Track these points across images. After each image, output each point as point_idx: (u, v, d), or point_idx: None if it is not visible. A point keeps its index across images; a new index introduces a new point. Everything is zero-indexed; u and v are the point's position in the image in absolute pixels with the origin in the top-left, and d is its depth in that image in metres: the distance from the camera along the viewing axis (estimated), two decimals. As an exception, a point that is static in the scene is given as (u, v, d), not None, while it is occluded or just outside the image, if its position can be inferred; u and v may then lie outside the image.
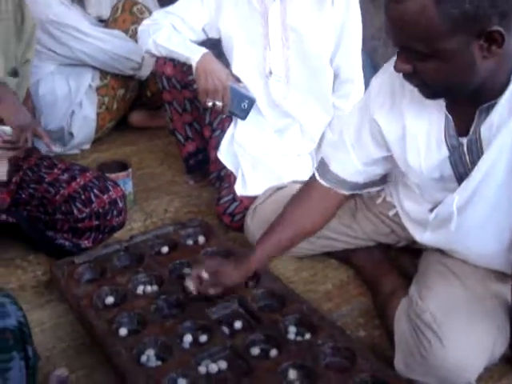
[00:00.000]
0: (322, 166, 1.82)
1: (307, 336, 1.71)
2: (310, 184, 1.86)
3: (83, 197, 2.05)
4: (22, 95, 2.16)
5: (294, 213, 1.82)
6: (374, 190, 1.93)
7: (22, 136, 1.87)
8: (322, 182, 1.81)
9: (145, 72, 3.04)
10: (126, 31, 3.03)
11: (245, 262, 1.78)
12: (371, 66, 2.85)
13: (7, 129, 1.85)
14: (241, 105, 2.28)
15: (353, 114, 1.78)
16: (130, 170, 2.42)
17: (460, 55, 1.34)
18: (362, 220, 2.03)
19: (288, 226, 1.81)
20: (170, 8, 2.42)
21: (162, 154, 3.00)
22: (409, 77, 1.45)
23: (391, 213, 1.95)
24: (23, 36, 2.13)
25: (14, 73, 2.10)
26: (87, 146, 3.04)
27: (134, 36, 3.02)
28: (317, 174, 1.82)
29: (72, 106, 2.91)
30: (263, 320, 1.75)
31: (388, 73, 1.63)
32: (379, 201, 1.98)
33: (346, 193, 1.82)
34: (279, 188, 2.19)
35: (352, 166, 1.76)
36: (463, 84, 1.41)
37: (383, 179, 1.91)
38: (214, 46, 2.41)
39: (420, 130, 1.58)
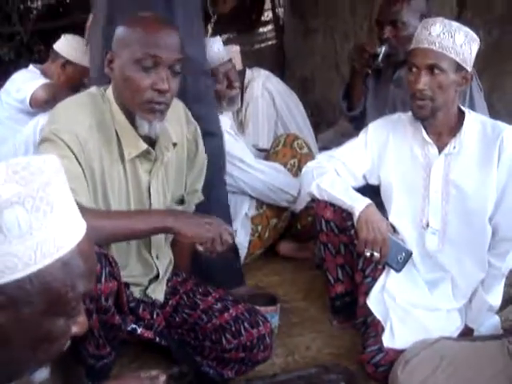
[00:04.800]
0: None
1: None
2: None
3: (233, 328, 2.09)
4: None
5: None
6: None
7: (216, 243, 1.92)
8: None
9: (299, 205, 3.11)
10: (284, 164, 3.18)
11: None
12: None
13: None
14: (397, 257, 2.28)
15: None
16: (278, 305, 2.46)
17: None
18: None
19: None
20: (334, 152, 2.52)
21: (306, 288, 3.01)
22: None
23: None
24: (195, 167, 2.26)
25: (181, 201, 2.21)
26: (236, 273, 3.12)
27: (292, 170, 3.17)
28: None
29: (227, 233, 3.02)
30: None
31: None
32: None
33: None
34: (431, 343, 2.15)
35: None
36: None
37: None
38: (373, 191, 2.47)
39: None
